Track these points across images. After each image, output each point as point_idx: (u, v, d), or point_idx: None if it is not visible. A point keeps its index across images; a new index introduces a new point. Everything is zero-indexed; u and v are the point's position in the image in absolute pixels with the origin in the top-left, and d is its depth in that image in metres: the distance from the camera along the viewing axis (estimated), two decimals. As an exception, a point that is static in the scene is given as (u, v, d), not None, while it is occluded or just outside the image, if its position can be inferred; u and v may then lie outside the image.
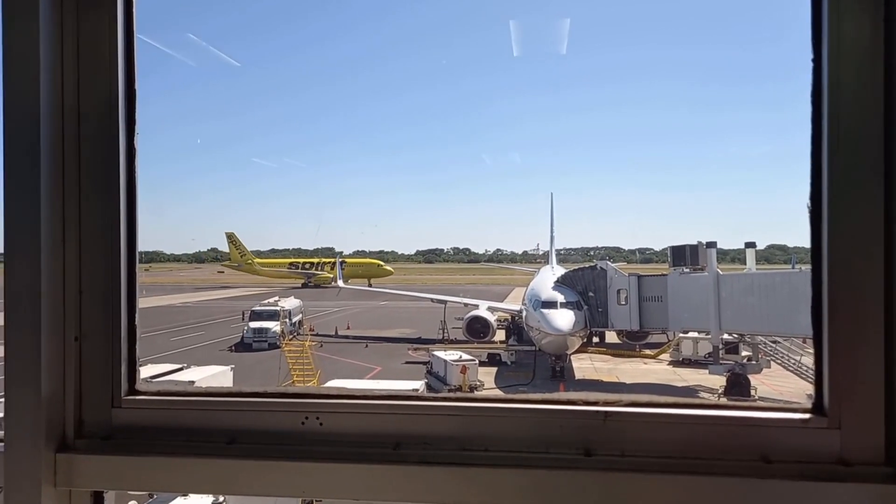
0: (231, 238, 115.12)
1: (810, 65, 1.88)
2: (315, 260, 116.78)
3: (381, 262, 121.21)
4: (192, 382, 27.22)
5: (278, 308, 52.02)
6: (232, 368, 32.71)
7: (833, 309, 1.84)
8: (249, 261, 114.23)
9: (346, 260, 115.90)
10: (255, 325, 48.82)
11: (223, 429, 2.12)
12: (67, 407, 2.14)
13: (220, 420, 2.14)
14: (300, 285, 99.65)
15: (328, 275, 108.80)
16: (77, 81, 2.13)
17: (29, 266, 2.04)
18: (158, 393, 2.23)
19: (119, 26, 2.15)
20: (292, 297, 61.12)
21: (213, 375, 30.23)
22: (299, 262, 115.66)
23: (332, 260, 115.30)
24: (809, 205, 1.91)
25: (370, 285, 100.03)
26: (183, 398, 2.21)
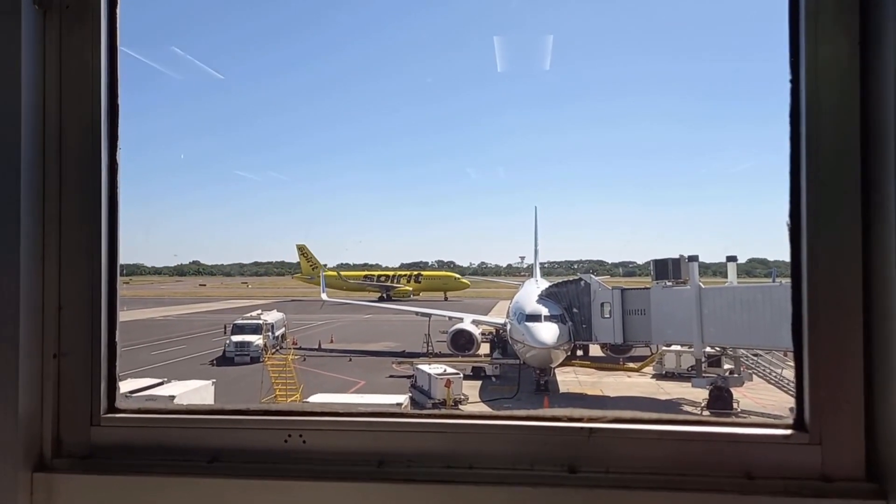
0: (302, 250, 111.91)
1: (789, 85, 1.92)
2: (390, 273, 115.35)
3: (458, 276, 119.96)
4: (173, 397, 26.84)
5: (261, 321, 51.51)
6: (213, 383, 32.33)
7: (813, 326, 1.87)
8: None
9: (424, 273, 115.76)
10: (237, 338, 48.24)
11: (205, 447, 2.09)
12: (45, 426, 2.09)
13: (201, 438, 2.11)
14: (377, 299, 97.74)
15: (407, 287, 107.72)
16: (59, 96, 2.11)
17: (7, 281, 2.00)
18: (139, 411, 2.20)
19: (102, 40, 2.13)
20: (275, 311, 60.64)
21: (194, 390, 29.84)
22: (374, 275, 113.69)
23: (408, 273, 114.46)
24: (789, 223, 1.94)
25: (446, 298, 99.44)
26: (164, 416, 2.18)
